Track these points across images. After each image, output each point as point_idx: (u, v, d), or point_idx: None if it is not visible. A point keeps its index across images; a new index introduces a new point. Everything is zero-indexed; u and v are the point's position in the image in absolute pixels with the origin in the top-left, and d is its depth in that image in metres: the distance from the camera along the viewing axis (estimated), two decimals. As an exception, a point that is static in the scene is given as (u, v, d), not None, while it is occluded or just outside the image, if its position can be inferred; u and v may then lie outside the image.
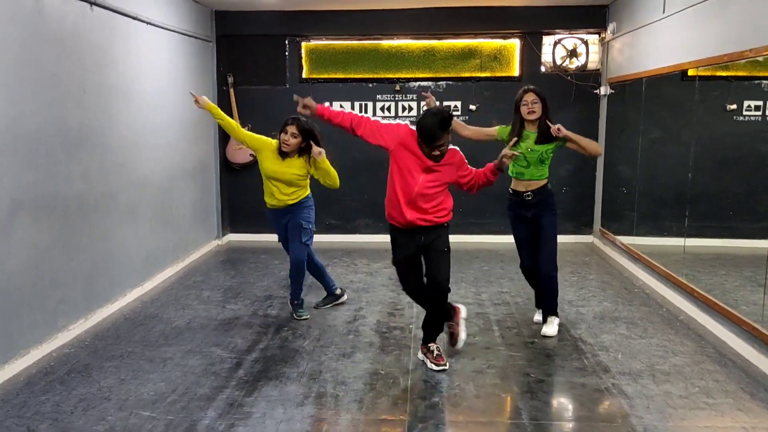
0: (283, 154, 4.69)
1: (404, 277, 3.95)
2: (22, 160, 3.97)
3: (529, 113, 4.33)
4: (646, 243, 6.20)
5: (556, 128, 4.29)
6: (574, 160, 7.68)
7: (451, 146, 3.75)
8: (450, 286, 3.89)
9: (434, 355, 3.94)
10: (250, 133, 4.86)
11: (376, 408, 3.44)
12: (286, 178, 4.72)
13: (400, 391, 3.63)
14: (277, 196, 4.77)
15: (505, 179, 4.47)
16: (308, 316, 4.91)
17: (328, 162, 4.76)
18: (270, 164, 4.72)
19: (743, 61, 4.48)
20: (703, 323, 4.70)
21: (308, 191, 4.89)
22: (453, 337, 4.08)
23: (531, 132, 4.39)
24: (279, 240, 5.05)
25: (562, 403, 3.54)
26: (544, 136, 4.35)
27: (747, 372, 3.88)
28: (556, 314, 4.60)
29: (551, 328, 4.52)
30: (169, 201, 6.25)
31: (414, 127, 3.68)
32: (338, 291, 5.27)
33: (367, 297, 5.47)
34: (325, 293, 5.25)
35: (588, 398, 3.56)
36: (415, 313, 5.01)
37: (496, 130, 4.56)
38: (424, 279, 3.90)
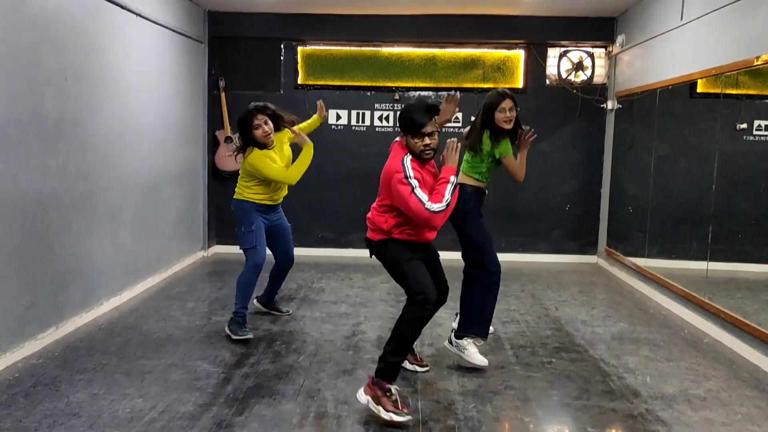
0: (261, 147, 4.38)
1: (425, 277, 3.30)
2: (-9, 147, 3.56)
3: (505, 121, 3.82)
4: (660, 265, 5.86)
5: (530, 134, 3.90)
6: (579, 177, 7.42)
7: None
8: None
9: (393, 399, 3.14)
10: (273, 165, 4.38)
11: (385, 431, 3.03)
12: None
13: (411, 413, 3.21)
14: (279, 193, 4.55)
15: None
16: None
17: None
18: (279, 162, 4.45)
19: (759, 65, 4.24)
20: (731, 346, 4.36)
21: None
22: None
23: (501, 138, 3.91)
24: (258, 241, 4.43)
25: (594, 429, 3.14)
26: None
27: (790, 398, 3.53)
28: None
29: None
30: (153, 206, 5.82)
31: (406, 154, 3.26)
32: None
33: (365, 312, 5.07)
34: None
35: (622, 424, 3.18)
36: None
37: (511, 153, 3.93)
38: None
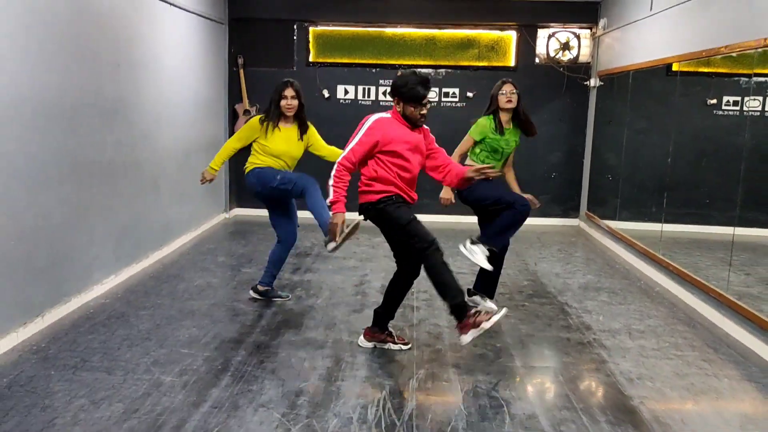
0: (275, 121, 4.53)
1: (421, 227, 3.65)
2: (65, 127, 4.36)
3: (507, 102, 4.42)
4: (628, 227, 6.69)
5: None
6: (564, 147, 8.20)
7: None
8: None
9: (481, 313, 3.47)
10: (236, 134, 4.72)
11: (387, 352, 3.90)
12: (293, 155, 4.65)
13: (408, 339, 4.08)
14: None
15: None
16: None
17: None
18: (277, 142, 4.55)
19: (720, 56, 4.97)
20: (676, 293, 5.21)
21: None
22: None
23: (507, 128, 4.52)
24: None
25: (550, 352, 4.02)
26: (520, 128, 4.55)
27: (712, 332, 4.39)
28: None
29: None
30: (185, 174, 6.63)
31: (384, 114, 3.70)
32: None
33: (371, 265, 5.93)
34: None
35: (572, 348, 4.05)
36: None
37: (471, 135, 4.52)
38: None
